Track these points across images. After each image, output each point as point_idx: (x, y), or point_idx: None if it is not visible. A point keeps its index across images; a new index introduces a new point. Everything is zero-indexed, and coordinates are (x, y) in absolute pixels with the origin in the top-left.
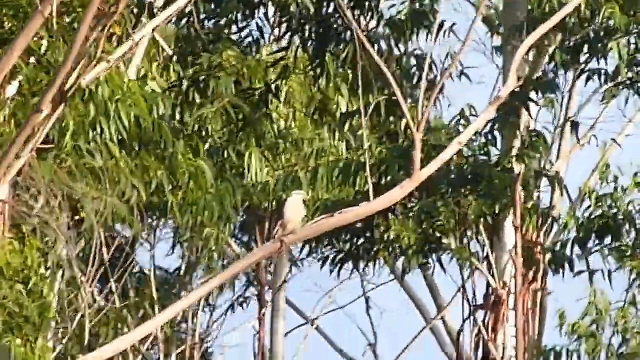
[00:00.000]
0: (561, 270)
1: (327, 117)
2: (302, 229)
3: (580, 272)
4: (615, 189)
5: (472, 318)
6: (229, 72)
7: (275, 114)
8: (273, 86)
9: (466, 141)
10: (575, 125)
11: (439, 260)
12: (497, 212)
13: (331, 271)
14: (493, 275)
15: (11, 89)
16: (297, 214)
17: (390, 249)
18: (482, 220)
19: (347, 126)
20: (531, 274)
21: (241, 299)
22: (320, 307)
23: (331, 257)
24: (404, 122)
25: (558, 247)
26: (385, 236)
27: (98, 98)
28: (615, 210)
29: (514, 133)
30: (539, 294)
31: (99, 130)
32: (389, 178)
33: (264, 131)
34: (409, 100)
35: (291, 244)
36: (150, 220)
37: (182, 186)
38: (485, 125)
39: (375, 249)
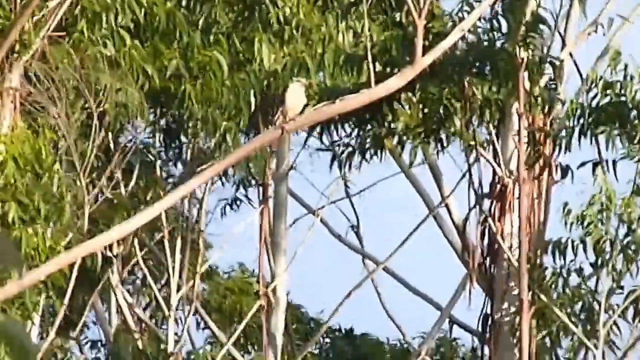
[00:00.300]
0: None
1: (332, 3)
2: (302, 116)
3: (583, 164)
4: (625, 76)
5: (477, 207)
6: None
7: (280, 1)
8: None
9: (469, 27)
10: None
11: (440, 141)
12: (502, 97)
13: (340, 163)
14: (499, 163)
15: None
16: (298, 101)
17: (396, 137)
18: (487, 106)
19: (352, 14)
20: (537, 163)
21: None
22: (325, 199)
23: (339, 149)
24: (406, 8)
25: (564, 133)
26: (392, 124)
27: None
28: (624, 98)
29: (519, 18)
30: (544, 182)
31: (112, 18)
32: (394, 67)
33: (269, 17)
34: None
35: (292, 130)
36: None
37: (198, 76)
38: (491, 11)
39: (381, 136)
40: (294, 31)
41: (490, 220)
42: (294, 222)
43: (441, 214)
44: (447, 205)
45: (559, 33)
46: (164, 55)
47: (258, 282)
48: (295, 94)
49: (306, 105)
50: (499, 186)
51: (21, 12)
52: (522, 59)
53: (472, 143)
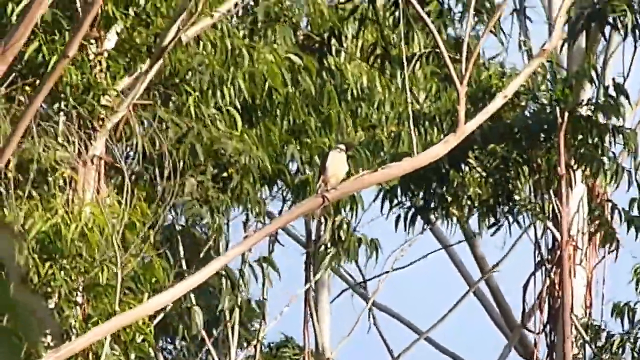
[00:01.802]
0: (634, 229)
1: (389, 65)
2: (344, 184)
3: None
4: None
5: (537, 273)
6: (288, 21)
7: (333, 62)
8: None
9: (511, 94)
10: None
11: (512, 214)
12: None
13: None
14: (560, 229)
15: (109, 42)
16: (340, 169)
17: (463, 204)
18: (554, 173)
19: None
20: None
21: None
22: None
23: (403, 212)
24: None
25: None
26: (459, 191)
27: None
28: None
29: (583, 70)
30: (606, 249)
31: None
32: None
33: (344, 89)
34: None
35: (334, 199)
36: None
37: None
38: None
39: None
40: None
41: (550, 286)
42: (336, 297)
43: (481, 289)
44: (487, 281)
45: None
46: (276, 137)
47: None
48: (337, 161)
49: (348, 172)
50: (559, 252)
51: (44, 81)
52: (562, 121)
53: (539, 210)
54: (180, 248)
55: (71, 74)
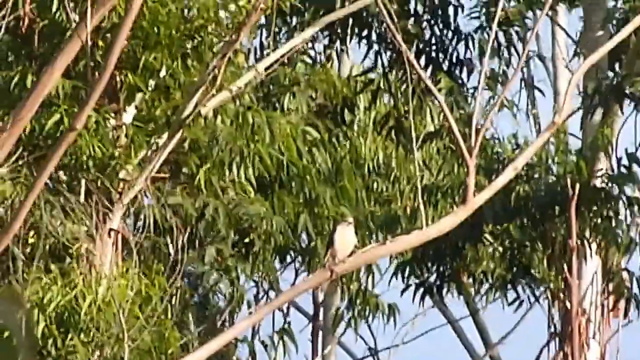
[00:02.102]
0: None
1: (402, 136)
2: (352, 258)
3: None
4: None
5: (550, 346)
6: (304, 87)
7: (347, 134)
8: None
9: (521, 166)
10: None
11: (530, 288)
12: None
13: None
14: (571, 301)
15: (128, 116)
16: (347, 242)
17: (477, 279)
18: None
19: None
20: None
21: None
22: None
23: (413, 286)
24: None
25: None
26: (473, 266)
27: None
28: None
29: (601, 141)
30: (620, 320)
31: (234, 170)
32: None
33: (359, 163)
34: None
35: (341, 273)
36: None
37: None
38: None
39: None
40: (386, 181)
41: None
42: None
43: None
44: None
45: None
46: (290, 208)
47: None
48: (345, 235)
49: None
50: (571, 325)
51: (53, 153)
52: (573, 193)
53: (552, 284)
54: (191, 320)
55: (93, 146)
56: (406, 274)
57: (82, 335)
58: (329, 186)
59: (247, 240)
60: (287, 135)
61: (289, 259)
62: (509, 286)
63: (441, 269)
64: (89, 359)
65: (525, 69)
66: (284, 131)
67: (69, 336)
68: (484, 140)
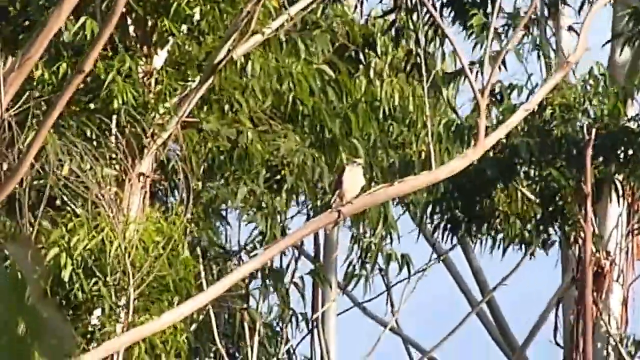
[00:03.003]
0: None
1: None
2: (359, 199)
3: None
4: None
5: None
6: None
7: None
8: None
9: (533, 108)
10: None
11: (562, 230)
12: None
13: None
14: (585, 247)
15: (159, 59)
16: (356, 184)
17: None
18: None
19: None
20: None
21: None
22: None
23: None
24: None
25: None
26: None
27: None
28: None
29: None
30: None
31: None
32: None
33: (376, 105)
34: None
35: (348, 214)
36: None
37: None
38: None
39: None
40: (401, 128)
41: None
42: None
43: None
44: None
45: None
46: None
47: None
48: (353, 175)
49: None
50: (595, 268)
51: (61, 93)
52: (588, 138)
53: (580, 225)
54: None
55: (126, 91)
56: (436, 211)
57: (107, 279)
58: (341, 123)
59: (278, 177)
60: (299, 74)
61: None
62: (547, 227)
63: (470, 210)
64: (115, 303)
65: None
66: (297, 70)
67: (93, 280)
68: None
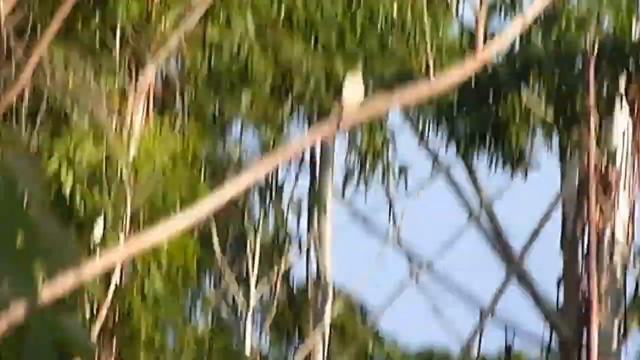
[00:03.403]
0: None
1: None
2: (359, 110)
3: None
4: None
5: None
6: None
7: None
8: None
9: (530, 20)
10: None
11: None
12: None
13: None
14: (589, 159)
15: None
16: (355, 95)
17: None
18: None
19: None
20: None
21: None
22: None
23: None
24: None
25: None
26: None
27: None
28: None
29: None
30: None
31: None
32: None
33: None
34: None
35: (348, 125)
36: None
37: None
38: None
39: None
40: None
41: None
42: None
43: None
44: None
45: None
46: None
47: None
48: (353, 88)
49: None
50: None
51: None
52: (592, 54)
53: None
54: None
55: (130, 2)
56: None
57: (112, 194)
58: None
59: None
60: None
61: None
62: (560, 131)
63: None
64: (117, 215)
65: None
66: None
67: (97, 190)
68: None
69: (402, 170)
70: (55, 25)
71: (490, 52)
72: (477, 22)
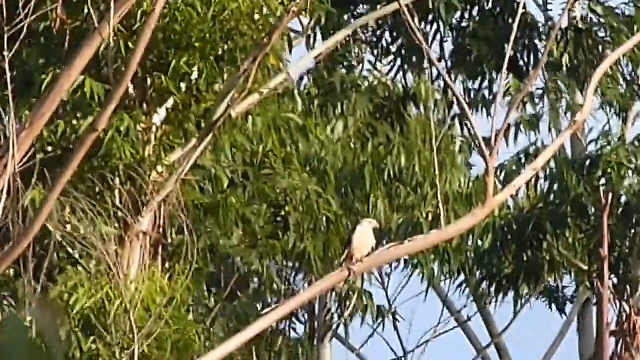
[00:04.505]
0: None
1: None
2: (370, 258)
3: None
4: None
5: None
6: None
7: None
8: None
9: (541, 167)
10: None
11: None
12: None
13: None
14: (628, 301)
15: (158, 117)
16: (366, 242)
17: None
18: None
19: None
20: None
21: None
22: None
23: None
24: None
25: None
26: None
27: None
28: None
29: None
30: None
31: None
32: None
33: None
34: None
35: (359, 273)
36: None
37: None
38: None
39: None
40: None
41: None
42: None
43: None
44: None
45: None
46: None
47: None
48: (364, 235)
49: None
50: (625, 324)
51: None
52: (605, 202)
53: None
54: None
55: (124, 149)
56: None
57: (107, 338)
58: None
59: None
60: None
61: None
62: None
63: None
64: None
65: None
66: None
67: (92, 339)
68: None
69: (379, 309)
70: (67, 172)
71: (500, 200)
72: (487, 171)
